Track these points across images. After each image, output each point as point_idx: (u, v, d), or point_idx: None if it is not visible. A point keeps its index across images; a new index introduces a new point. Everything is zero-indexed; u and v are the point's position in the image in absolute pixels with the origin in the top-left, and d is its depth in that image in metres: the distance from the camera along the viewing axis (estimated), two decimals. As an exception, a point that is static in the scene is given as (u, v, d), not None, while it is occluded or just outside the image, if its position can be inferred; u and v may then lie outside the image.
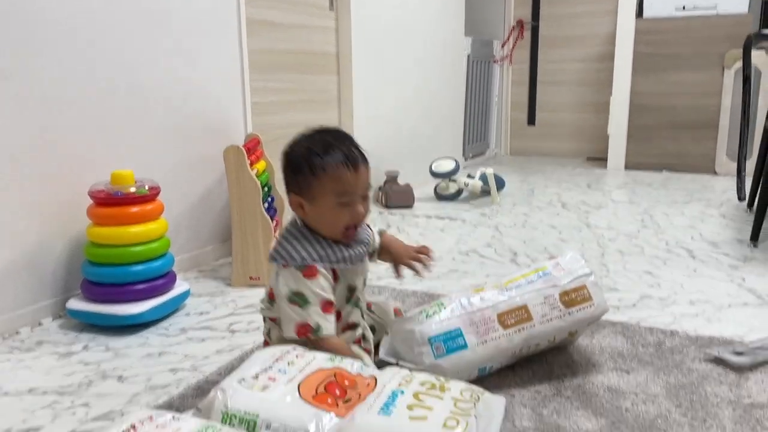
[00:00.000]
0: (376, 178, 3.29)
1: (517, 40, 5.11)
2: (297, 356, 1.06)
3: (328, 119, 2.95)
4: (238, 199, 1.96)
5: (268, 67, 2.54)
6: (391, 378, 1.00)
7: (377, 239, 1.38)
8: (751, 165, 3.08)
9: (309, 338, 1.16)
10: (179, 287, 1.75)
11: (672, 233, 2.62)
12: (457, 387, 0.98)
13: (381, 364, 1.20)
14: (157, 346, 1.54)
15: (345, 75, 3.06)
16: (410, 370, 1.09)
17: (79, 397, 1.29)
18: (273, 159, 2.22)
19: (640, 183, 3.93)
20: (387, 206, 3.19)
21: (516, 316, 1.27)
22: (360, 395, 0.96)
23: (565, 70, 5.03)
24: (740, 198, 3.04)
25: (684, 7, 4.19)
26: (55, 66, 1.68)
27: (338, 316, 1.24)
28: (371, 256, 1.36)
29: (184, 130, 2.12)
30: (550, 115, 5.17)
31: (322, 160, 1.17)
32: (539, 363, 1.38)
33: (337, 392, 0.97)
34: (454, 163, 3.38)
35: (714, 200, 3.34)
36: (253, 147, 2.08)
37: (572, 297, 1.32)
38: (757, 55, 3.70)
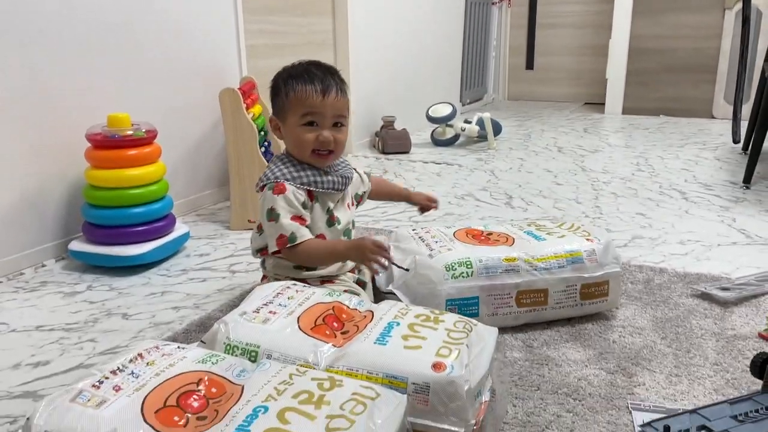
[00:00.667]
0: (373, 123, 3.28)
1: (516, -18, 5.01)
2: (297, 291, 1.09)
3: (323, 63, 2.92)
4: (234, 143, 1.97)
5: (261, 9, 2.51)
6: (387, 311, 1.04)
7: (366, 180, 1.45)
8: (747, 109, 3.07)
9: (288, 248, 1.22)
10: (179, 230, 1.78)
11: (666, 176, 2.64)
12: (451, 319, 1.02)
13: (380, 295, 1.25)
14: (160, 285, 1.58)
15: (340, 17, 3.01)
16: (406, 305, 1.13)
17: (86, 333, 1.33)
18: (268, 103, 2.21)
19: (637, 127, 3.92)
20: (383, 152, 3.19)
21: (533, 297, 1.29)
22: (357, 327, 1.00)
23: (565, 12, 4.94)
24: (735, 141, 3.05)
25: (687, -54, 4.09)
26: (45, 7, 1.66)
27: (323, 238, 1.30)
28: (361, 198, 1.44)
29: (179, 73, 2.10)
30: (548, 59, 5.10)
31: (294, 83, 1.24)
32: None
33: (335, 324, 1.01)
34: (451, 108, 3.36)
35: (710, 143, 3.35)
36: (248, 90, 2.07)
37: (592, 290, 1.32)
38: (758, -5, 3.64)
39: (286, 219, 1.22)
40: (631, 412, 1.02)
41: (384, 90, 3.38)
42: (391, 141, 3.17)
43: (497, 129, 3.42)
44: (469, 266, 1.26)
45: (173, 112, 2.09)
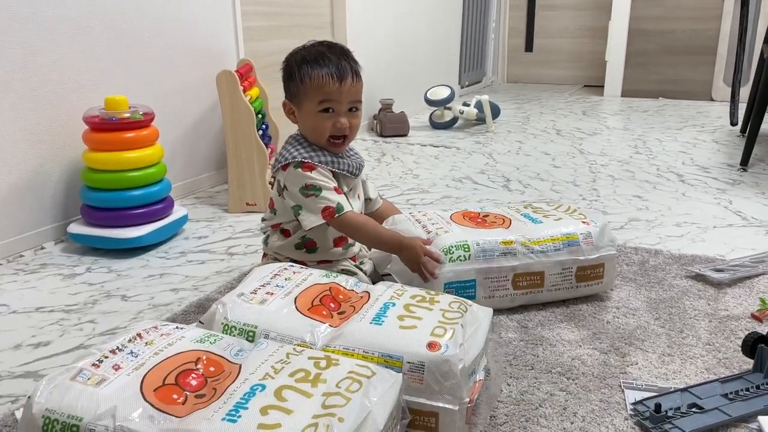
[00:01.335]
0: (371, 106, 3.28)
1: (515, -37, 4.96)
2: (294, 272, 1.10)
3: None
4: (232, 126, 1.97)
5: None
6: (383, 291, 1.05)
7: (376, 197, 1.45)
8: (746, 91, 3.07)
9: (337, 218, 1.23)
10: (177, 212, 1.79)
11: (663, 159, 2.65)
12: (446, 300, 1.03)
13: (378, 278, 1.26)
14: (158, 268, 1.59)
15: (338, -1, 3.00)
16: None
17: (85, 314, 1.35)
18: (267, 85, 2.21)
19: (635, 110, 3.91)
20: (382, 135, 3.19)
21: (530, 280, 1.30)
22: (354, 308, 1.01)
23: (565, -7, 4.92)
24: (733, 123, 3.04)
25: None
26: (41, -11, 1.65)
27: None
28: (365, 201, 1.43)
29: (176, 55, 2.10)
30: (548, 41, 5.08)
31: (310, 68, 1.22)
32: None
33: (332, 305, 1.02)
34: (450, 90, 3.36)
35: (708, 126, 3.34)
36: (245, 73, 2.07)
37: (587, 273, 1.33)
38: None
39: (329, 191, 1.23)
40: (623, 391, 1.03)
41: (382, 73, 3.37)
42: (389, 124, 3.17)
43: (496, 112, 3.42)
44: (467, 249, 1.27)
45: (171, 95, 2.09)
